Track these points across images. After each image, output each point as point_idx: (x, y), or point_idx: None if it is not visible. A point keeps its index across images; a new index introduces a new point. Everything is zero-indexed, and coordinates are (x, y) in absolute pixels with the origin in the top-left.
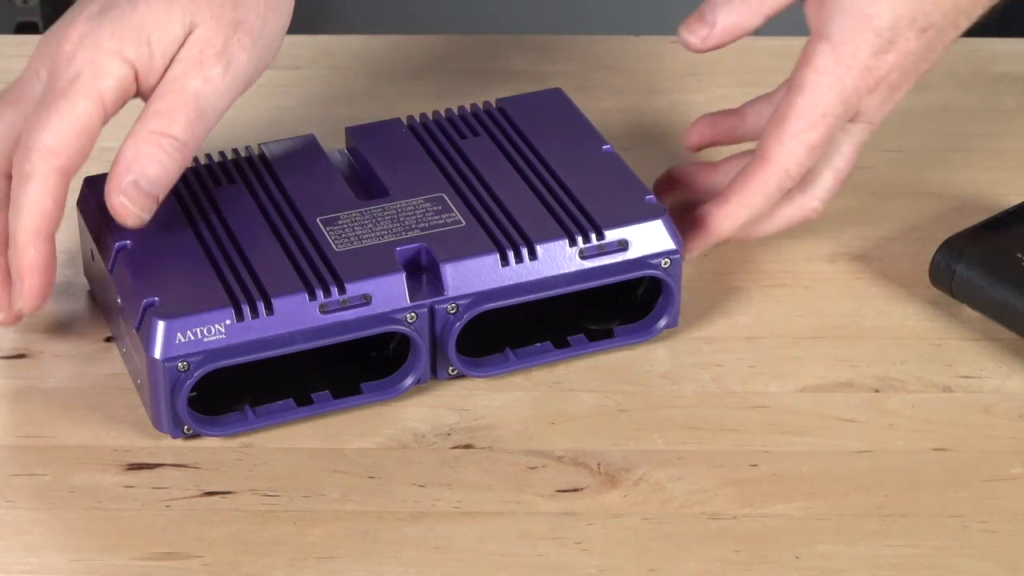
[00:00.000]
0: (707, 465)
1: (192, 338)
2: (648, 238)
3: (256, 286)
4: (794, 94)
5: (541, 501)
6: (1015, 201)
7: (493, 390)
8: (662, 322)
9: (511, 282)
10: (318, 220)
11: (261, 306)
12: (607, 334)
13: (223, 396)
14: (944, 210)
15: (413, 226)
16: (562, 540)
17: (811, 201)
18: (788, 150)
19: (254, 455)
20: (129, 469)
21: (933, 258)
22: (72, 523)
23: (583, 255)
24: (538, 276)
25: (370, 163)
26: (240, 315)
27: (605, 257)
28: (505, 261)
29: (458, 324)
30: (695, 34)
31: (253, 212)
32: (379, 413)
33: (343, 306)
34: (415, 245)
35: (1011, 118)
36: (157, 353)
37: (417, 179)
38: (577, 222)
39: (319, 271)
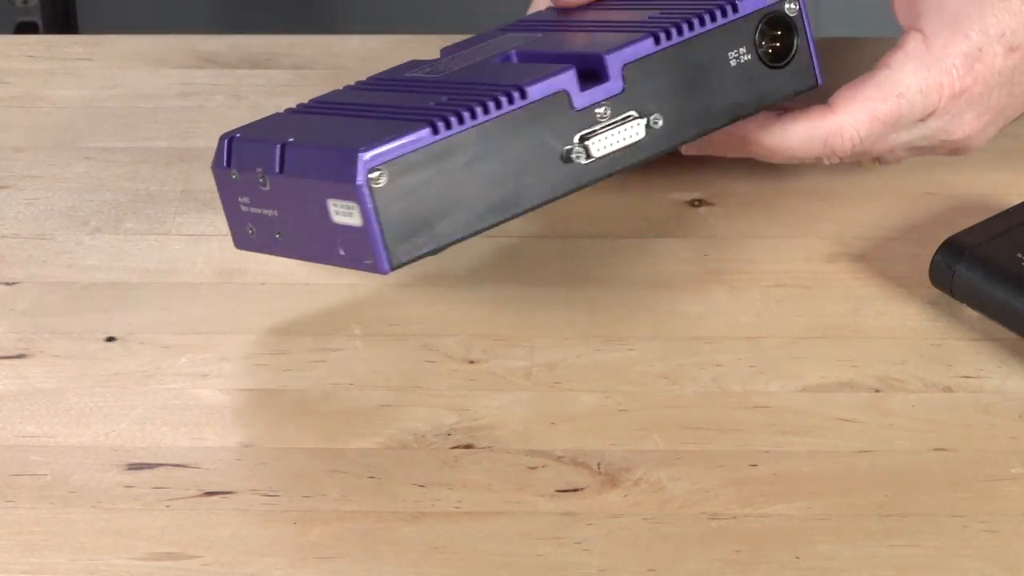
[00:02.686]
0: (707, 465)
1: None
2: None
3: None
4: (878, 69)
5: (541, 501)
6: (1015, 201)
7: (493, 390)
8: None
9: None
10: None
11: None
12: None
13: None
14: (944, 210)
15: None
16: (562, 540)
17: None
18: (854, 110)
19: (254, 455)
20: (129, 469)
21: (933, 258)
22: (72, 523)
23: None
24: None
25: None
26: None
27: None
28: None
29: None
30: None
31: None
32: (379, 413)
33: None
34: None
35: None
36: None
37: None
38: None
39: None
